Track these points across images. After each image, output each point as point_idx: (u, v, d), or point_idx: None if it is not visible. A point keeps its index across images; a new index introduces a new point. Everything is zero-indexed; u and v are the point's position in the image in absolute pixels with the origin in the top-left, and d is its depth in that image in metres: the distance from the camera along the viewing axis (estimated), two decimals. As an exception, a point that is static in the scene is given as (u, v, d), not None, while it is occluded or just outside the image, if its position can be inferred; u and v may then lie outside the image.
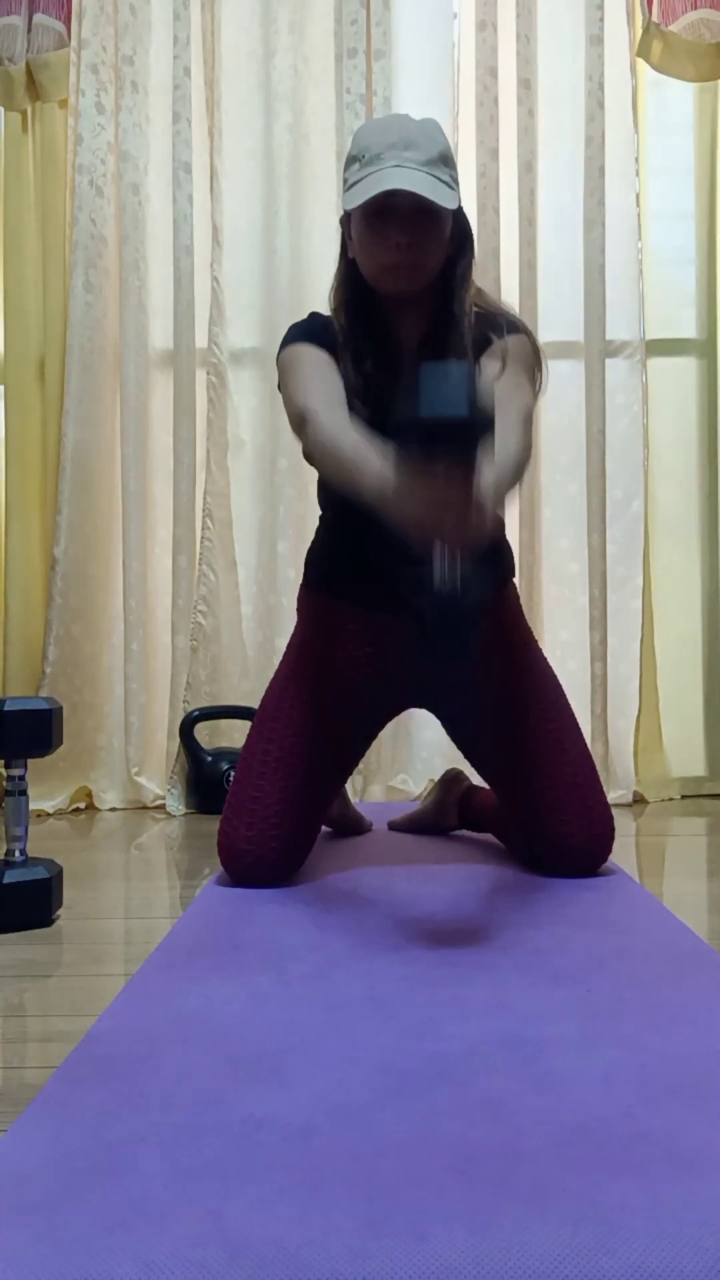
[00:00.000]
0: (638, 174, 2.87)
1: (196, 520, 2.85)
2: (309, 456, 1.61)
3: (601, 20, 2.83)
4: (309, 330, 1.73)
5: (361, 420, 1.58)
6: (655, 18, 2.87)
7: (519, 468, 1.48)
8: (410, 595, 1.30)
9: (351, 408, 1.63)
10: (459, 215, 1.67)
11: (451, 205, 1.58)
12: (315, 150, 2.90)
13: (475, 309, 1.70)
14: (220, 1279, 0.63)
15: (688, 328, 2.98)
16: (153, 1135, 0.82)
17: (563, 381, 2.89)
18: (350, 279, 1.71)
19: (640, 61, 2.89)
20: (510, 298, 2.84)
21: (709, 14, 2.88)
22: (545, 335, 2.87)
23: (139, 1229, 0.68)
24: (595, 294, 2.83)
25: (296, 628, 1.90)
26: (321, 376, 1.64)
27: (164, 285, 2.91)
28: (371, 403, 1.64)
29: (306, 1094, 0.89)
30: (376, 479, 1.37)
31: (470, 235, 1.72)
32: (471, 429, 1.25)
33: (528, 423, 1.58)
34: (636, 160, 2.87)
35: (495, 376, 1.62)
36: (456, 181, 1.63)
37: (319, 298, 2.83)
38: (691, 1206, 0.70)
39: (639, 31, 2.88)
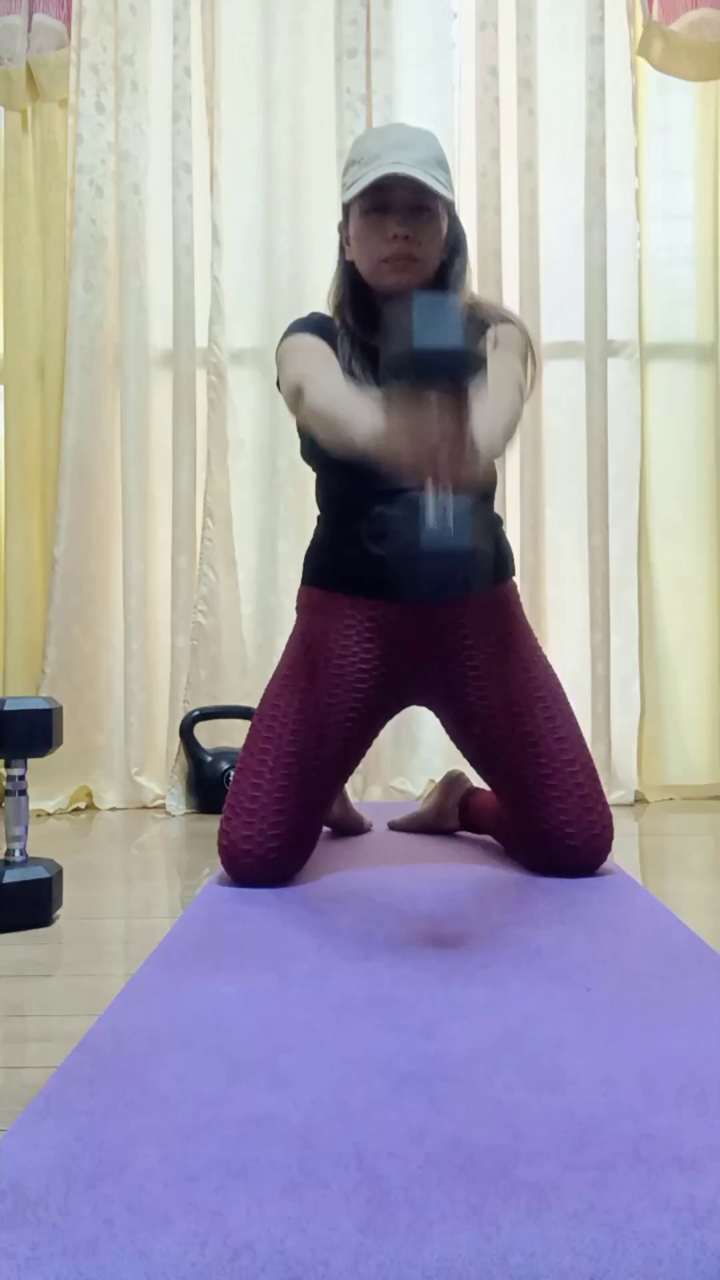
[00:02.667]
0: (637, 174, 2.87)
1: (196, 520, 2.85)
2: (303, 428, 1.67)
3: (602, 20, 2.83)
4: (308, 324, 1.78)
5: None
6: (656, 17, 2.87)
7: (510, 424, 1.54)
8: (396, 542, 1.27)
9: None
10: (454, 223, 1.73)
11: (447, 190, 1.64)
12: (315, 150, 2.90)
13: (469, 305, 1.73)
14: (220, 1279, 0.63)
15: (688, 328, 2.98)
16: (153, 1135, 0.81)
17: (564, 382, 2.89)
18: (348, 280, 1.76)
19: (641, 61, 2.89)
20: (511, 298, 2.84)
21: (710, 13, 2.87)
22: (546, 335, 2.87)
23: (139, 1229, 0.68)
24: (596, 294, 2.83)
25: (296, 623, 1.90)
26: (319, 357, 1.68)
27: (164, 285, 2.91)
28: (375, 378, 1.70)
29: (306, 1094, 0.89)
30: (369, 427, 1.37)
31: (464, 241, 1.77)
32: (463, 358, 1.24)
33: (518, 388, 1.63)
34: (636, 160, 2.87)
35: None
36: (451, 187, 1.69)
37: (319, 297, 2.82)
38: (692, 1206, 0.70)
39: (639, 30, 2.88)
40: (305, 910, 1.55)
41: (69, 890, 1.78)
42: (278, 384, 1.74)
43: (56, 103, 2.93)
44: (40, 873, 1.55)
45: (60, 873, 1.60)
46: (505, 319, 1.75)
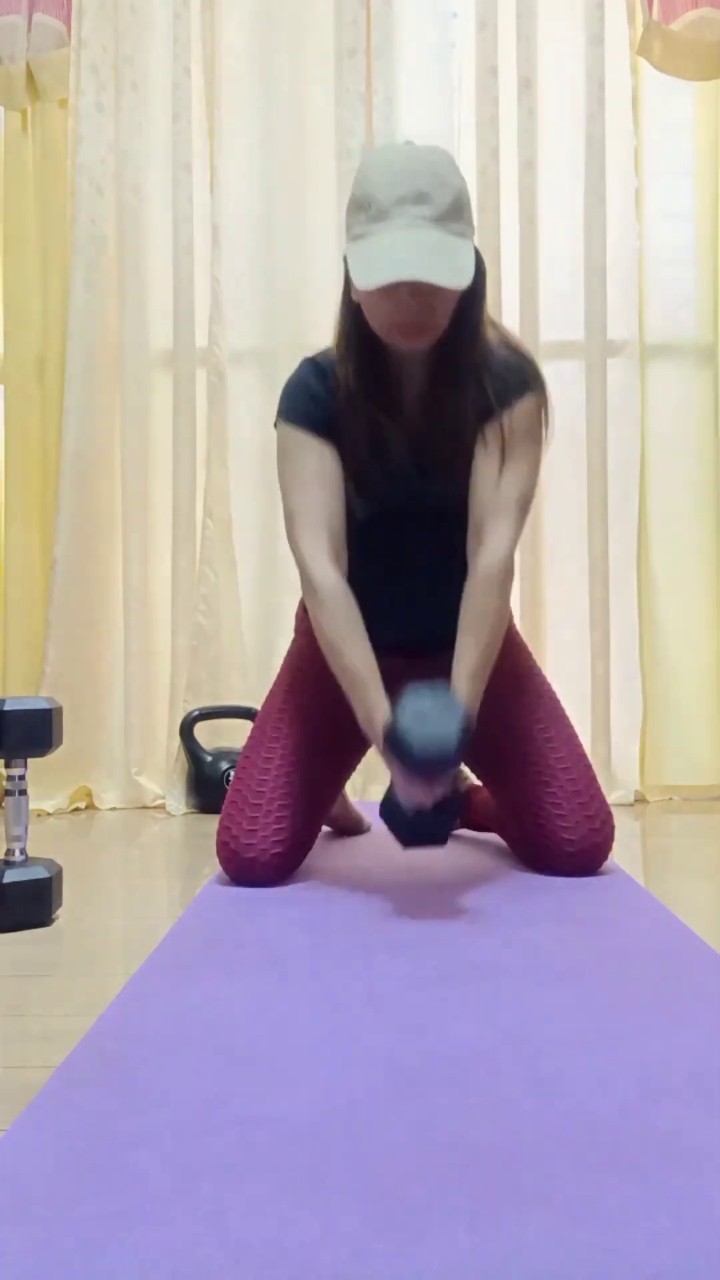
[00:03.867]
0: (637, 174, 2.87)
1: (196, 520, 2.85)
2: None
3: (602, 19, 2.83)
4: (304, 399, 1.69)
5: (365, 470, 1.67)
6: (656, 16, 2.87)
7: (490, 656, 1.64)
8: (390, 822, 1.59)
9: (355, 461, 1.67)
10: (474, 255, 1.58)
11: (464, 277, 1.49)
12: (315, 149, 2.90)
13: (479, 366, 1.65)
14: (220, 1279, 0.63)
15: (688, 328, 2.98)
16: (153, 1135, 0.81)
17: (563, 381, 2.89)
18: (353, 324, 1.64)
19: (641, 60, 2.89)
20: (510, 297, 2.84)
21: (710, 12, 2.88)
22: (546, 335, 2.87)
23: (139, 1229, 0.68)
24: (595, 294, 2.83)
25: (295, 640, 1.90)
26: (319, 491, 1.65)
27: (164, 285, 2.91)
28: (375, 444, 1.67)
29: (306, 1094, 0.89)
30: (365, 712, 1.59)
31: (483, 275, 1.62)
32: (455, 765, 1.50)
33: (509, 564, 1.65)
34: (636, 160, 2.87)
35: (492, 473, 1.64)
36: (472, 224, 1.55)
37: (319, 298, 2.84)
38: (692, 1206, 0.70)
39: (639, 30, 2.88)
40: (305, 910, 1.55)
41: (69, 890, 1.78)
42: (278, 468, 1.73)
43: (56, 102, 2.93)
44: (40, 873, 1.55)
45: (60, 873, 1.60)
46: (520, 383, 1.66)
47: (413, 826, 1.56)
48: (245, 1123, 0.83)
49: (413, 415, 1.70)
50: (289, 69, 2.89)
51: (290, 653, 1.90)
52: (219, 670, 2.84)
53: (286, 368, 2.85)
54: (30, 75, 2.90)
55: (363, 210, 1.51)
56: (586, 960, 1.27)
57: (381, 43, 2.85)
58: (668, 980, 1.20)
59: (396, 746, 1.48)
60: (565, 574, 2.89)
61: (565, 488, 2.89)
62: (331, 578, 1.63)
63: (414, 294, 1.52)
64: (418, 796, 1.53)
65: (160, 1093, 0.90)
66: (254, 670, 2.85)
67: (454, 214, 1.50)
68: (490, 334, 1.68)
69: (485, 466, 1.65)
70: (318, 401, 1.68)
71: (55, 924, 1.57)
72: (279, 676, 1.87)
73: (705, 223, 2.94)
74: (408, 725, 1.47)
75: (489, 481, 1.64)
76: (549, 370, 2.88)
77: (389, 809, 1.58)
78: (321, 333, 2.86)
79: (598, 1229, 0.67)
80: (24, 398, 2.91)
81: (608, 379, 2.85)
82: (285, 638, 1.91)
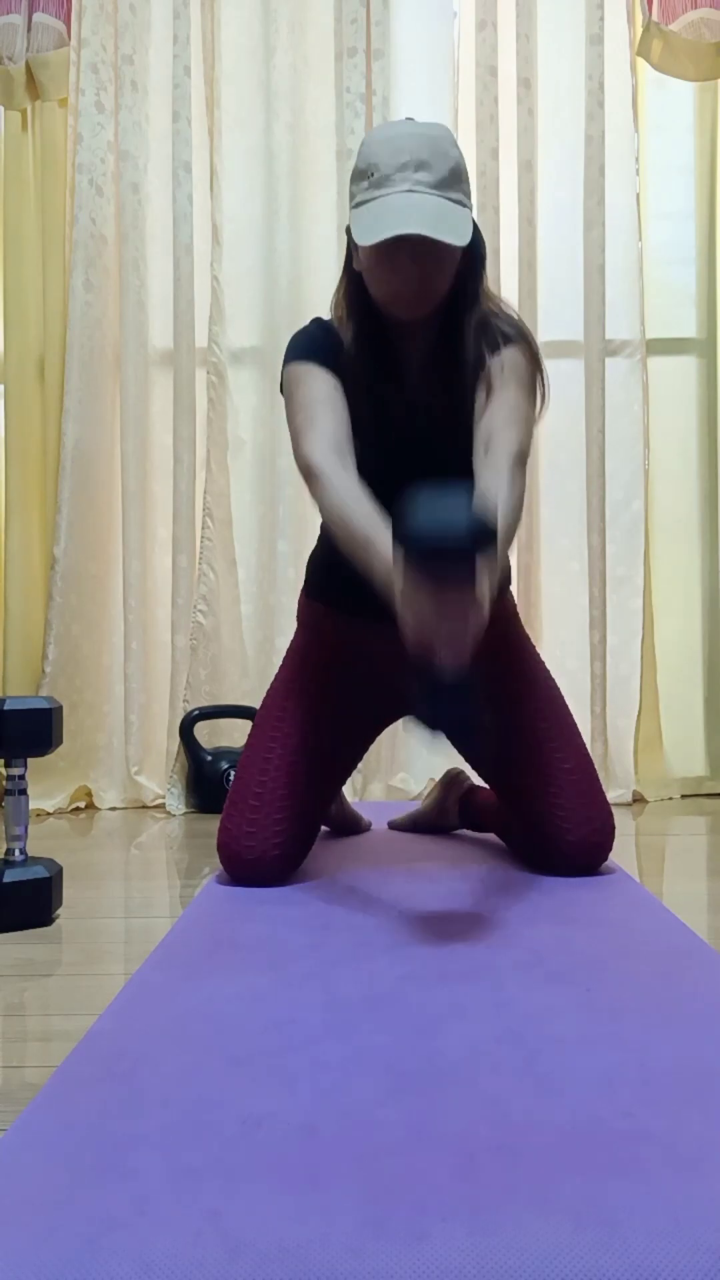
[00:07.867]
0: (638, 174, 2.87)
1: (196, 520, 2.85)
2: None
3: (601, 19, 2.83)
4: (312, 344, 1.69)
5: (367, 439, 1.62)
6: (655, 17, 2.87)
7: (511, 527, 1.50)
8: (412, 698, 1.33)
9: (357, 427, 1.63)
10: (472, 233, 1.59)
11: (464, 237, 1.51)
12: (315, 149, 2.90)
13: (479, 322, 1.66)
14: (220, 1279, 0.63)
15: (688, 327, 2.98)
16: (153, 1135, 0.82)
17: (563, 381, 2.89)
18: (355, 292, 1.67)
19: (640, 61, 2.89)
20: (510, 298, 2.84)
21: (709, 13, 2.88)
22: (545, 335, 2.87)
23: (139, 1229, 0.68)
24: (595, 293, 2.83)
25: (297, 634, 1.90)
26: (327, 410, 1.61)
27: (164, 285, 2.91)
28: (377, 411, 1.66)
29: (306, 1093, 0.89)
30: (383, 568, 1.38)
31: (481, 247, 1.65)
32: (470, 552, 1.26)
33: (521, 462, 1.56)
34: (636, 160, 2.87)
35: (484, 409, 1.61)
36: (469, 195, 1.57)
37: (319, 297, 2.84)
38: (691, 1206, 0.70)
39: (639, 31, 2.89)
40: (305, 910, 1.55)
41: (69, 890, 1.78)
42: (281, 389, 1.72)
43: (56, 102, 2.93)
44: (40, 872, 1.55)
45: (60, 872, 1.60)
46: (507, 336, 1.66)
47: (430, 699, 1.31)
48: (245, 1123, 0.83)
49: (414, 384, 1.70)
50: (289, 68, 2.89)
51: (291, 648, 1.90)
52: (219, 670, 2.84)
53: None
54: (30, 75, 2.90)
55: (365, 178, 1.54)
56: (586, 960, 1.27)
57: (381, 42, 2.85)
58: (668, 980, 1.20)
59: (400, 538, 1.27)
60: (565, 573, 2.89)
61: (564, 487, 2.89)
62: (335, 463, 1.54)
63: (414, 258, 1.54)
64: (428, 621, 1.29)
65: (160, 1093, 0.90)
66: (254, 670, 2.85)
67: (453, 182, 1.53)
68: (486, 304, 1.70)
69: (482, 402, 1.63)
70: (326, 350, 1.67)
71: (55, 924, 1.57)
72: (279, 674, 1.87)
73: (705, 223, 2.94)
74: (414, 510, 1.26)
75: (486, 410, 1.61)
76: (549, 370, 2.89)
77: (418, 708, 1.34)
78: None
79: (598, 1229, 0.67)
80: (24, 397, 2.91)
81: (607, 378, 2.85)
82: (285, 637, 1.92)
